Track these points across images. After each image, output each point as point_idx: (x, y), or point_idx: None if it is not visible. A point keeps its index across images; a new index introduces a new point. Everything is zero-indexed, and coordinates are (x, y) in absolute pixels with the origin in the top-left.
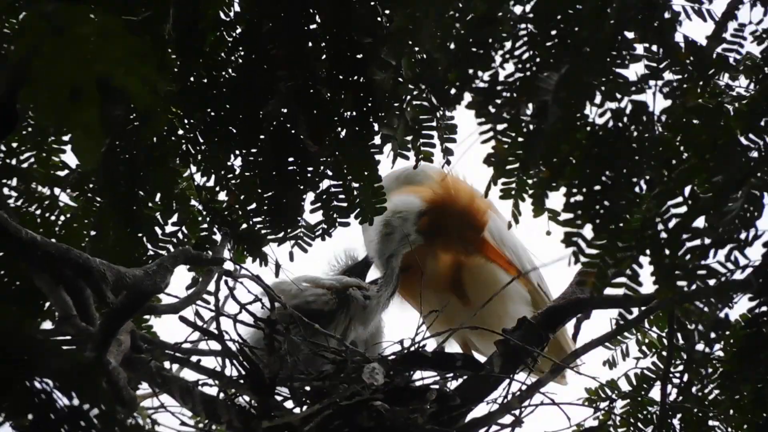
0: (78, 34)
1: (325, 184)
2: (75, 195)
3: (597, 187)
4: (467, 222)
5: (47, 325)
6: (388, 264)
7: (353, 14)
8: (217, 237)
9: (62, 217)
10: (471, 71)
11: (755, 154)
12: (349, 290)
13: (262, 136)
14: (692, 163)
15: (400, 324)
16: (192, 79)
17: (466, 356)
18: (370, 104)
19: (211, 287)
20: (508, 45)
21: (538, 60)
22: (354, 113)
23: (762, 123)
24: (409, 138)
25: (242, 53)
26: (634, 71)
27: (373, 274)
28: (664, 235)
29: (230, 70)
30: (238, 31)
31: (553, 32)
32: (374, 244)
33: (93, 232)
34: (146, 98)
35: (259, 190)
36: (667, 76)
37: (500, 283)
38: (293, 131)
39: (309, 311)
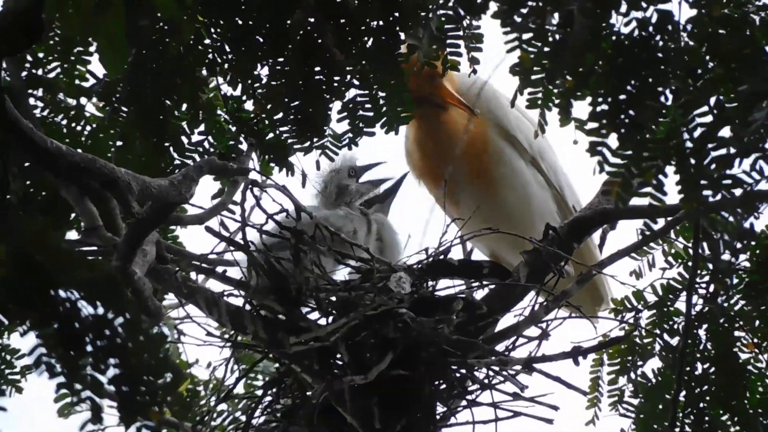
0: None
1: (352, 93)
2: (101, 105)
3: (622, 97)
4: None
5: (73, 235)
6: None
7: None
8: (244, 146)
9: (88, 128)
10: None
11: None
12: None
13: (289, 46)
14: (717, 73)
15: (423, 230)
16: None
17: (492, 263)
18: (396, 13)
19: (237, 197)
20: None
21: None
22: (380, 22)
23: None
24: (435, 47)
25: None
26: None
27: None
28: (689, 144)
29: None
30: None
31: None
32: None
33: (119, 143)
34: (172, 8)
35: (286, 100)
36: None
37: (522, 176)
38: (320, 41)
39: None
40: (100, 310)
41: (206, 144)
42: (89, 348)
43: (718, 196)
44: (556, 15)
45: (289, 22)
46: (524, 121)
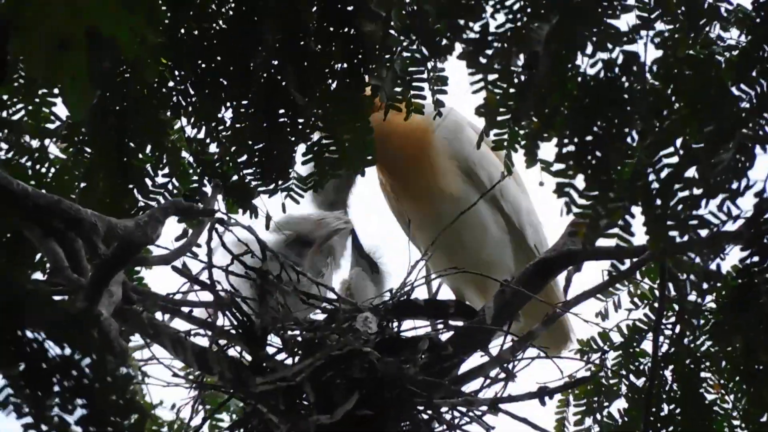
0: None
1: (316, 135)
2: (65, 147)
3: (588, 138)
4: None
5: (39, 276)
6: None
7: None
8: (208, 189)
9: (52, 169)
10: (461, 22)
11: (746, 104)
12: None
13: (252, 88)
14: (683, 113)
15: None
16: (182, 30)
17: (458, 303)
18: (359, 56)
19: (202, 239)
20: None
21: (529, 10)
22: (344, 65)
23: (753, 73)
24: (399, 89)
25: (232, 5)
26: (625, 21)
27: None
28: (655, 185)
29: (220, 22)
30: None
31: None
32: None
33: (83, 184)
34: (135, 49)
35: (250, 142)
36: (659, 26)
37: (482, 221)
38: (283, 83)
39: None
40: (67, 351)
41: (170, 186)
42: (56, 388)
43: (685, 237)
44: (522, 56)
45: (252, 64)
46: (488, 157)
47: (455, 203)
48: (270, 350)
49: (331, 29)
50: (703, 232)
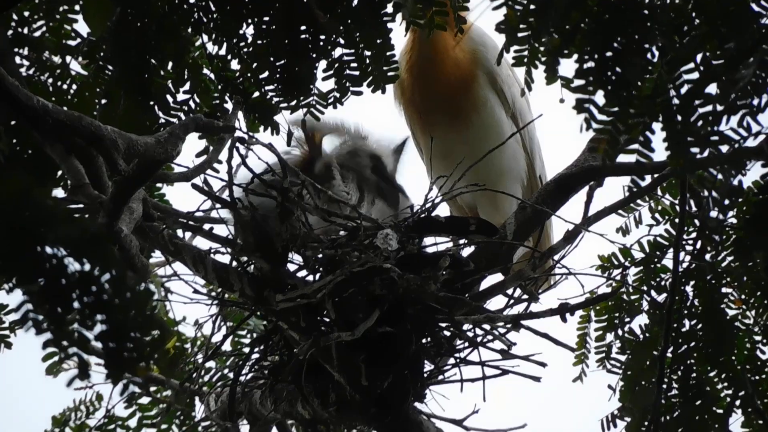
0: None
1: (338, 52)
2: (86, 63)
3: (609, 54)
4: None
5: (60, 193)
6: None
7: None
8: (229, 105)
9: (74, 86)
10: None
11: (766, 20)
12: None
13: (274, 4)
14: (704, 29)
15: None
16: None
17: (479, 220)
18: None
19: (223, 155)
20: None
21: None
22: None
23: None
24: (420, 6)
25: None
26: None
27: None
28: (676, 101)
29: None
30: None
31: None
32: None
33: (104, 101)
34: None
35: (272, 59)
36: None
37: (501, 126)
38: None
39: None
40: (87, 267)
41: (191, 103)
42: (76, 304)
43: (705, 153)
44: None
45: None
46: (512, 79)
47: (486, 117)
48: (291, 267)
49: None
50: (724, 148)
